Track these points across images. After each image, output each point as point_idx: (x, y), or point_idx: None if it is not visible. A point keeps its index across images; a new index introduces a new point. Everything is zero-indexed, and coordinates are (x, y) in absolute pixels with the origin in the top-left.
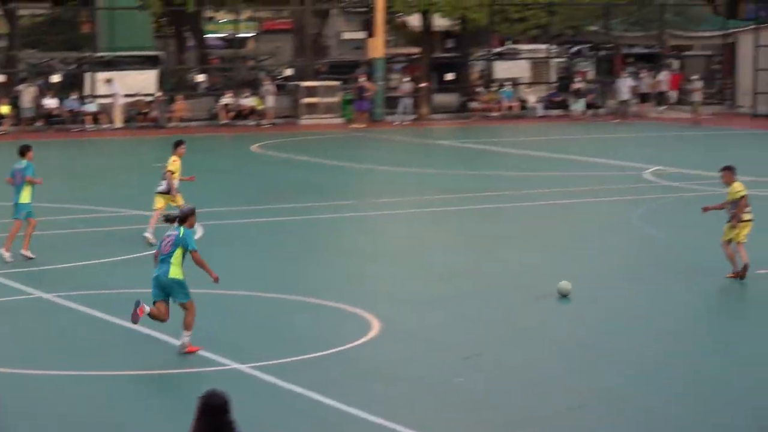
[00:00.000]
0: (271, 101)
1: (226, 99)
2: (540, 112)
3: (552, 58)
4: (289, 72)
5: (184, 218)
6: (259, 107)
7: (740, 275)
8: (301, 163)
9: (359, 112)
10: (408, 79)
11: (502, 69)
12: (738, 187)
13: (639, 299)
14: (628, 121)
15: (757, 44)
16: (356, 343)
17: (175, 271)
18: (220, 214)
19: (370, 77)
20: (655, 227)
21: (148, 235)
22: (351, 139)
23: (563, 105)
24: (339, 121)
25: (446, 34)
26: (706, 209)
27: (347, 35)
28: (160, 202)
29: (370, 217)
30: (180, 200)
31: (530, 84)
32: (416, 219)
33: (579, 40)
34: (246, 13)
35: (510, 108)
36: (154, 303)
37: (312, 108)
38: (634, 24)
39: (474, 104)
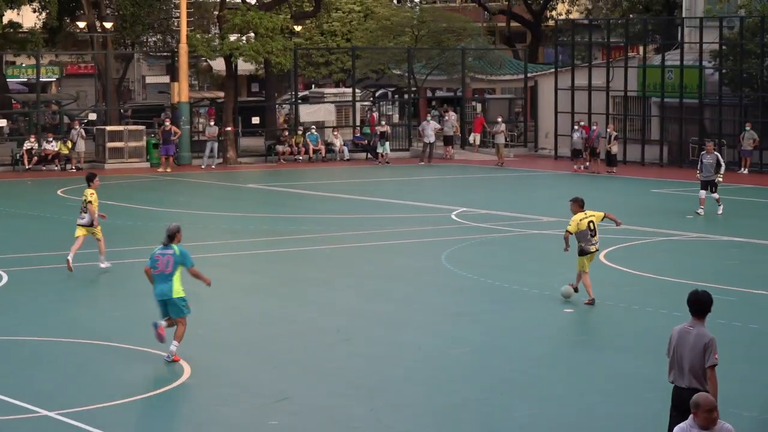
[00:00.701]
0: (81, 145)
1: (29, 143)
2: (346, 155)
3: (357, 101)
4: (93, 116)
5: (173, 236)
6: (64, 152)
7: (590, 301)
8: (107, 208)
9: (165, 156)
10: (213, 122)
11: (308, 112)
12: (577, 219)
13: (450, 338)
14: (433, 164)
15: (556, 87)
16: (168, 387)
17: (177, 289)
18: (26, 260)
19: (175, 121)
20: (463, 267)
21: (69, 258)
22: (158, 184)
23: (369, 148)
24: (145, 165)
25: (251, 77)
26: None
27: (151, 79)
28: (80, 232)
29: None
30: (100, 232)
31: (336, 127)
32: (226, 262)
33: (383, 83)
34: (48, 57)
35: (316, 151)
36: (165, 318)
37: (117, 152)
38: (437, 68)
39: (280, 148)
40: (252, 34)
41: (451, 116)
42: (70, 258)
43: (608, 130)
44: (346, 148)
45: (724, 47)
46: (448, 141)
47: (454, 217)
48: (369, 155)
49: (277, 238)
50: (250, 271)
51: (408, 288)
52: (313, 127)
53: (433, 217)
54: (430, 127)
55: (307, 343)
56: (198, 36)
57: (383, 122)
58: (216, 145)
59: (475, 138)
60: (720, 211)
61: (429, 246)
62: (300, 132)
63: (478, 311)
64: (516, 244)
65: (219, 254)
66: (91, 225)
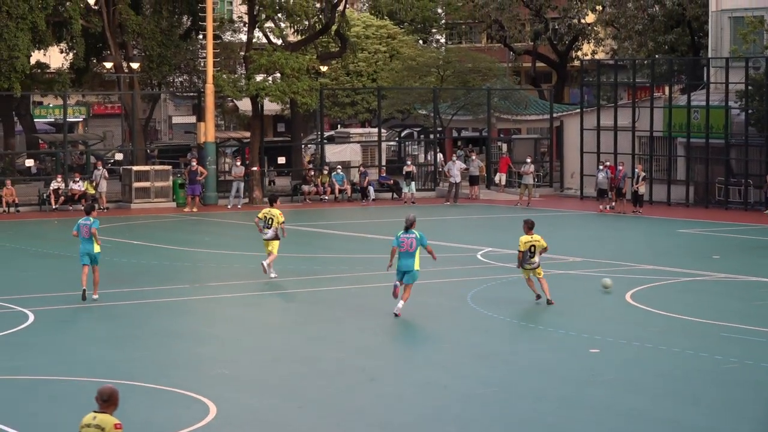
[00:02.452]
0: (103, 185)
1: (56, 183)
2: (372, 195)
3: (383, 141)
4: (119, 156)
5: (412, 224)
6: (91, 191)
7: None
8: (134, 247)
9: (191, 196)
10: (239, 162)
11: (333, 152)
12: (523, 240)
13: (476, 379)
14: (459, 204)
15: (582, 128)
16: (194, 427)
17: (417, 263)
18: (52, 300)
19: (201, 161)
20: (489, 307)
21: None
22: (183, 223)
23: (395, 188)
24: (171, 205)
25: (277, 117)
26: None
27: (177, 119)
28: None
29: (202, 301)
30: None
31: (361, 167)
32: (252, 302)
33: (409, 123)
34: (75, 98)
35: (342, 191)
36: (399, 281)
37: (143, 192)
38: (463, 108)
39: (306, 187)
40: (278, 75)
41: (477, 157)
42: None
43: (636, 170)
44: (371, 188)
45: (750, 87)
46: (473, 181)
47: (480, 257)
48: (394, 195)
49: (303, 278)
50: (275, 310)
51: (434, 327)
52: (339, 167)
53: (459, 257)
54: (456, 168)
55: (333, 382)
56: (224, 76)
57: (409, 162)
58: (242, 185)
59: (500, 178)
60: None
61: (455, 285)
62: (326, 172)
63: (504, 351)
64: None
65: (245, 294)
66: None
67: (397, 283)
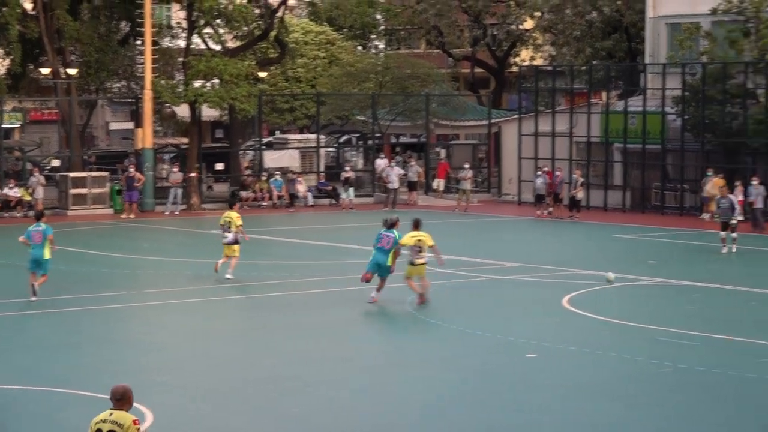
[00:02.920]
0: (40, 192)
1: None
2: (310, 201)
3: (321, 147)
4: (56, 162)
5: (394, 225)
6: (27, 198)
7: (422, 300)
8: (71, 254)
9: (129, 202)
10: (177, 168)
11: (272, 158)
12: (408, 236)
13: (418, 384)
14: (397, 210)
15: (520, 133)
16: None
17: (390, 260)
18: None
19: (138, 167)
20: (428, 313)
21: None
22: (121, 230)
23: (333, 194)
24: (108, 211)
25: (215, 123)
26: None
27: (115, 125)
28: None
29: (142, 308)
30: None
31: (300, 173)
32: (189, 309)
33: (347, 129)
34: (11, 104)
35: (280, 197)
36: (370, 272)
37: (80, 199)
38: (401, 113)
39: (244, 193)
40: (216, 80)
41: (415, 162)
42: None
43: (574, 175)
44: (310, 194)
45: (686, 93)
46: (412, 187)
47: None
48: (332, 201)
49: (241, 284)
50: (214, 317)
51: (371, 333)
52: (278, 173)
53: (397, 262)
54: (394, 173)
55: (270, 389)
56: (162, 82)
57: (347, 168)
58: (180, 191)
59: (439, 184)
60: (734, 249)
61: (393, 291)
62: (264, 178)
63: (443, 356)
64: (479, 290)
65: (183, 300)
66: None
67: (369, 271)
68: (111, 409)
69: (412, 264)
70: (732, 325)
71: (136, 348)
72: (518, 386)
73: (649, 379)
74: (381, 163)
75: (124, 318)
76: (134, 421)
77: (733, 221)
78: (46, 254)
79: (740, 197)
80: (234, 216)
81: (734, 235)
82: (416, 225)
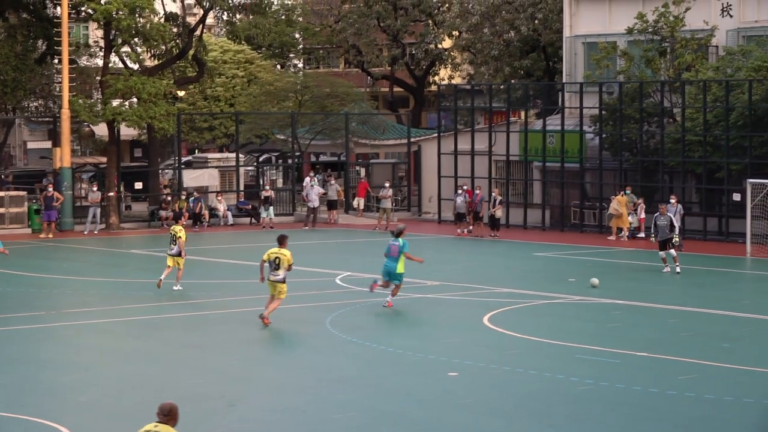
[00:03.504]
0: None
1: None
2: (230, 220)
3: (241, 166)
4: None
5: (400, 234)
6: None
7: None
8: None
9: (47, 222)
10: (96, 188)
11: (191, 177)
12: (269, 251)
13: (335, 403)
14: (317, 228)
15: (440, 152)
16: None
17: (400, 268)
18: None
19: (57, 186)
20: (348, 331)
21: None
22: (40, 250)
23: (253, 213)
24: (26, 231)
25: (134, 142)
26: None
27: (33, 144)
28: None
29: (60, 328)
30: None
31: (219, 192)
32: (109, 329)
33: (267, 148)
34: None
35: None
36: (383, 281)
37: None
38: (321, 132)
39: (163, 213)
40: (135, 99)
41: (335, 181)
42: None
43: (493, 194)
44: (230, 213)
45: (603, 112)
46: (331, 206)
47: (338, 281)
48: (252, 220)
49: (161, 304)
50: (133, 337)
51: (293, 352)
52: (196, 192)
53: (318, 281)
54: (314, 192)
55: (193, 408)
56: (80, 101)
57: (267, 187)
58: (98, 210)
59: (359, 202)
60: (678, 269)
61: (314, 310)
62: (183, 197)
63: (363, 375)
64: (400, 308)
65: (102, 320)
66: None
67: (378, 280)
68: (156, 422)
69: (268, 279)
70: (652, 343)
71: (55, 368)
72: (440, 405)
73: (570, 397)
74: (308, 181)
75: (44, 338)
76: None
77: (676, 240)
78: None
79: (642, 215)
80: (177, 229)
81: (674, 253)
82: (280, 242)
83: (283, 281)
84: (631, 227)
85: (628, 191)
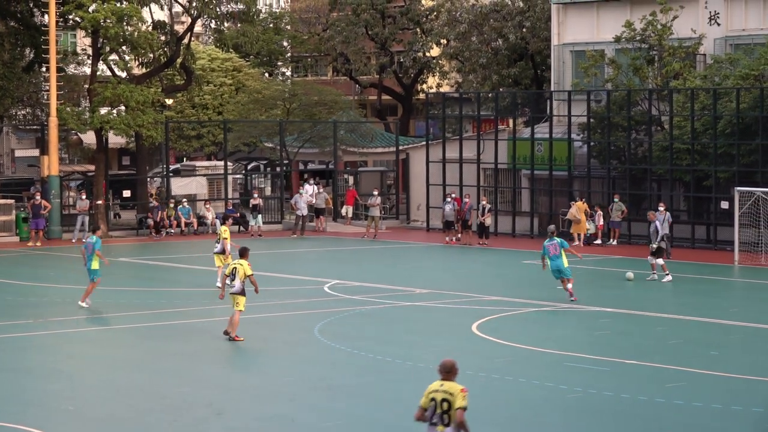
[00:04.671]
0: None
1: None
2: (218, 228)
3: (229, 174)
4: None
5: (554, 232)
6: None
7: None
8: None
9: (35, 230)
10: (84, 196)
11: (179, 186)
12: (231, 263)
13: (324, 411)
14: (306, 236)
15: (428, 160)
16: None
17: (565, 261)
18: None
19: (44, 195)
20: (337, 339)
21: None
22: (27, 258)
23: (241, 221)
24: (14, 239)
25: (122, 150)
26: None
27: (20, 152)
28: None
29: (48, 336)
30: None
31: (207, 200)
32: (97, 337)
33: (255, 156)
34: None
35: (188, 224)
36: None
37: None
38: (309, 140)
39: (151, 221)
40: (123, 107)
41: (323, 189)
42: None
43: (482, 202)
44: (218, 221)
45: (591, 120)
46: (320, 213)
47: (327, 289)
48: (241, 228)
49: (149, 312)
50: (120, 345)
51: (281, 360)
52: (185, 200)
53: (306, 289)
54: (302, 200)
55: (180, 417)
56: (68, 109)
57: (255, 195)
58: (87, 218)
59: (347, 210)
60: (664, 279)
61: (302, 319)
62: (171, 205)
63: (352, 384)
64: (389, 316)
65: (90, 329)
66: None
67: (566, 285)
68: (440, 380)
69: (229, 293)
70: (640, 351)
71: (42, 376)
72: None
73: (559, 405)
74: (309, 188)
75: (30, 346)
76: (462, 390)
77: (653, 245)
78: None
79: (600, 222)
80: (223, 230)
81: (654, 260)
82: (241, 254)
83: (242, 293)
84: (587, 233)
85: (616, 199)
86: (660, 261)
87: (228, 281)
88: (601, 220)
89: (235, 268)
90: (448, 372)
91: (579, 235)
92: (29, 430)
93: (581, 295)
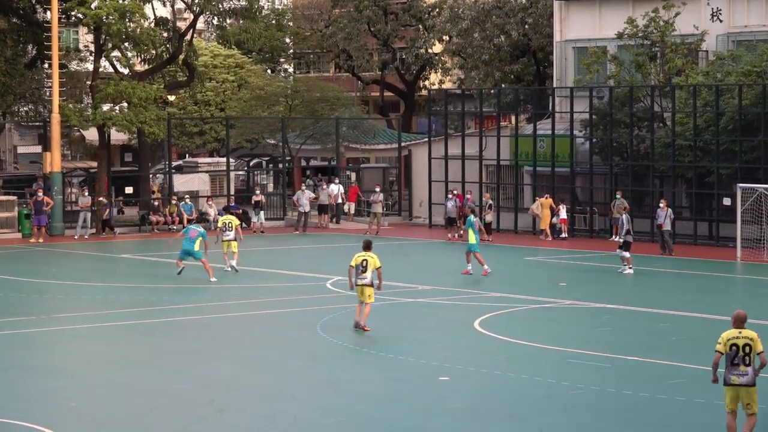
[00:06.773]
0: None
1: None
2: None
3: (231, 170)
4: None
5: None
6: None
7: None
8: None
9: (37, 226)
10: (86, 192)
11: (182, 182)
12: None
13: (326, 408)
14: (308, 233)
15: (430, 157)
16: None
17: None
18: None
19: (47, 191)
20: (339, 336)
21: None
22: (30, 255)
23: (244, 217)
24: (16, 236)
25: (124, 147)
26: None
27: (23, 149)
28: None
29: (51, 333)
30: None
31: (210, 197)
32: (99, 334)
33: (257, 153)
34: None
35: (190, 221)
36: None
37: None
38: (311, 137)
39: (154, 217)
40: (125, 104)
41: (326, 186)
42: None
43: (484, 198)
44: (220, 218)
45: (594, 117)
46: (322, 210)
47: (329, 286)
48: (244, 224)
49: (151, 309)
50: (123, 342)
51: (283, 357)
52: (187, 196)
53: (309, 286)
54: (305, 197)
55: (182, 414)
56: (70, 106)
57: (258, 191)
58: (89, 215)
59: (349, 207)
60: (626, 271)
61: (304, 315)
62: (174, 201)
63: (354, 380)
64: (391, 313)
65: (92, 325)
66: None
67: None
68: (734, 328)
69: (356, 284)
70: (642, 347)
71: (46, 374)
72: (431, 410)
73: (561, 402)
74: (334, 188)
75: (34, 344)
76: (756, 336)
77: (616, 238)
78: None
79: (563, 215)
80: (232, 218)
81: (622, 253)
82: (367, 246)
83: (371, 284)
84: (557, 228)
85: (618, 196)
86: (626, 254)
87: (357, 273)
88: (564, 214)
89: (366, 260)
90: (743, 321)
91: (543, 231)
92: (34, 427)
93: (582, 291)
